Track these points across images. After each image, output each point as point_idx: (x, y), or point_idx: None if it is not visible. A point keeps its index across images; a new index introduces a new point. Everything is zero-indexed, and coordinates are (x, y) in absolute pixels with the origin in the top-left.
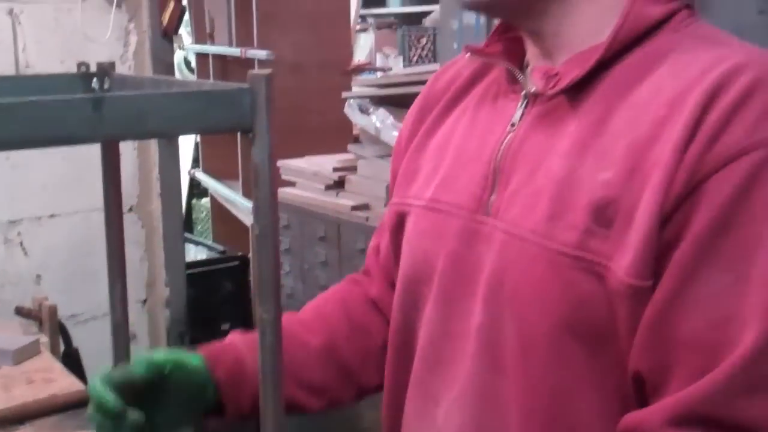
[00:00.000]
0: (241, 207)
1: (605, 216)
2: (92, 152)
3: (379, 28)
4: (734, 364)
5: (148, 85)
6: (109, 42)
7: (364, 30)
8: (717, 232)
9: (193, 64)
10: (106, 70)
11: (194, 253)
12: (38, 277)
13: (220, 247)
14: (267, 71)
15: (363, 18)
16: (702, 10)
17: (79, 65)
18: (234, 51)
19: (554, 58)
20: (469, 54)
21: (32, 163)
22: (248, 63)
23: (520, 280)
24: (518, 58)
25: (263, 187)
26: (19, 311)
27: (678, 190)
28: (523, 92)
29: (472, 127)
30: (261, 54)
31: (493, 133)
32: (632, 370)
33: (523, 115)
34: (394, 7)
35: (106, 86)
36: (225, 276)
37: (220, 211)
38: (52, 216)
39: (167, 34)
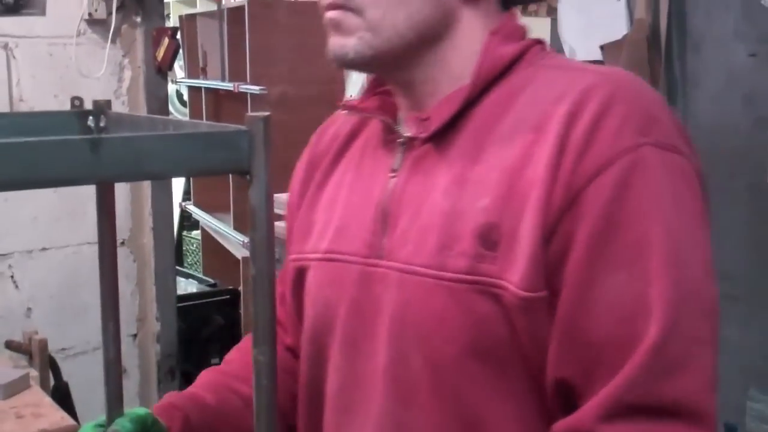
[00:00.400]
0: (232, 240)
1: (490, 239)
2: (83, 187)
3: None
4: (647, 352)
5: (144, 124)
6: (104, 77)
7: None
8: (603, 237)
9: (186, 97)
10: (102, 107)
11: (185, 286)
12: (29, 310)
13: (211, 280)
14: (264, 114)
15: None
16: (693, 52)
17: (73, 99)
18: (227, 85)
19: (424, 105)
20: (346, 111)
21: (23, 196)
22: (241, 97)
23: (421, 313)
24: (393, 111)
25: (260, 228)
26: (9, 345)
27: (558, 203)
28: (400, 140)
29: (357, 179)
30: (254, 89)
31: (377, 181)
32: (554, 379)
33: (402, 160)
34: None
35: (102, 124)
36: (216, 309)
37: (210, 244)
38: (43, 249)
39: (161, 70)
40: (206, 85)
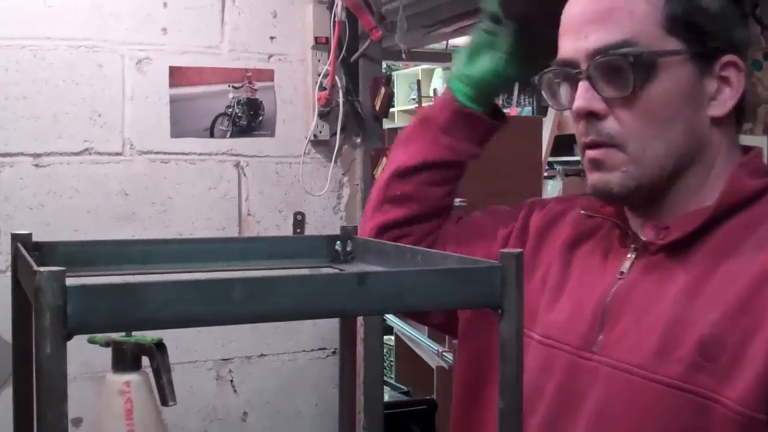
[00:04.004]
0: (426, 348)
1: (711, 352)
2: None
3: (566, 175)
4: None
5: (391, 252)
6: (324, 194)
7: (551, 177)
8: None
9: None
10: (349, 233)
11: None
12: (245, 414)
13: (404, 387)
14: (518, 251)
15: (551, 165)
16: None
17: (296, 215)
18: None
19: (662, 217)
20: (584, 212)
21: None
22: None
23: (624, 411)
24: (625, 219)
25: (510, 362)
26: None
27: None
28: (633, 246)
29: (584, 274)
30: (455, 201)
31: (604, 281)
32: None
33: (632, 265)
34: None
35: (348, 249)
36: (413, 419)
37: (404, 351)
38: (261, 356)
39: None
40: None
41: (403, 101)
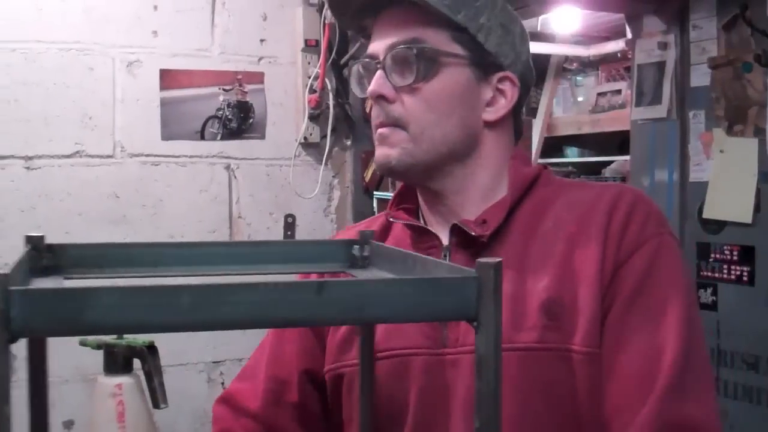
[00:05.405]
0: None
1: (553, 312)
2: None
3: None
4: (665, 381)
5: (397, 258)
6: (315, 196)
7: None
8: (636, 296)
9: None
10: (366, 237)
11: None
12: None
13: None
14: (496, 260)
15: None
16: None
17: (286, 217)
18: None
19: (458, 215)
20: (391, 218)
21: None
22: None
23: None
24: (418, 222)
25: (486, 377)
26: None
27: (608, 275)
28: (445, 245)
29: None
30: None
31: None
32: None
33: (450, 261)
34: (572, 157)
35: (365, 254)
36: None
37: None
38: None
39: (368, 190)
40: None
41: None
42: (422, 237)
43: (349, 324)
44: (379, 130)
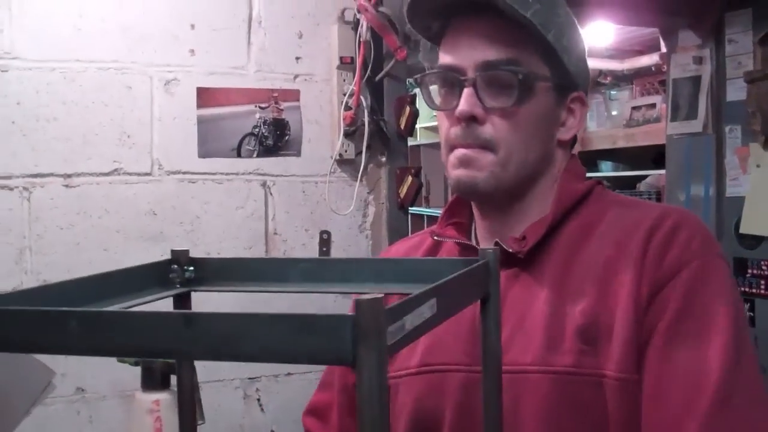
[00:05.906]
0: None
1: (589, 336)
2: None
3: None
4: (711, 399)
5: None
6: (350, 213)
7: None
8: (679, 321)
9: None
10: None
11: None
12: None
13: None
14: (378, 295)
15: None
16: None
17: (321, 233)
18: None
19: (513, 231)
20: (436, 237)
21: None
22: None
23: (529, 404)
24: (468, 238)
25: (368, 413)
26: None
27: (644, 300)
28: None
29: None
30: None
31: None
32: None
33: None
34: (606, 171)
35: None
36: None
37: None
38: (288, 375)
39: (403, 206)
40: (428, 213)
41: (425, 118)
42: (470, 254)
43: (218, 359)
44: (464, 151)
